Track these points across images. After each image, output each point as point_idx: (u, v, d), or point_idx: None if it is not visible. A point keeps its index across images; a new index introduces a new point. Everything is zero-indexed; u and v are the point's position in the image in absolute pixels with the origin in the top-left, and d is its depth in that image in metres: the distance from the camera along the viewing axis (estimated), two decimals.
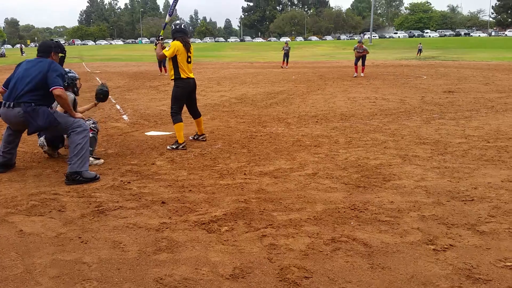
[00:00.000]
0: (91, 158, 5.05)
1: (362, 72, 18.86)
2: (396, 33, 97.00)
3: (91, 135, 5.08)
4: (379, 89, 13.22)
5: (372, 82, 15.85)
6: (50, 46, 5.01)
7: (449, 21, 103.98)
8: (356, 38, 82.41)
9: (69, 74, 5.50)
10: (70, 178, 4.46)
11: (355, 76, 18.31)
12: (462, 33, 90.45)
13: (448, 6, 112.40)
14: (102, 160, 5.32)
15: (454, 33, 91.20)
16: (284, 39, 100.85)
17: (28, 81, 4.63)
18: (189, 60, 6.13)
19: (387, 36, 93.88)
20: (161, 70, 20.98)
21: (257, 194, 4.03)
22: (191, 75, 6.21)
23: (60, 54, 5.15)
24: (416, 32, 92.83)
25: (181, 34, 6.19)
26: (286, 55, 26.57)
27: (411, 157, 5.34)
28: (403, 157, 5.32)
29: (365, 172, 4.71)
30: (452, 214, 3.48)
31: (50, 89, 4.53)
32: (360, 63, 18.74)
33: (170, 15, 6.66)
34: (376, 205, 3.69)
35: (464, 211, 3.54)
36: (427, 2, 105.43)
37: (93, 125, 5.47)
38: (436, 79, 16.81)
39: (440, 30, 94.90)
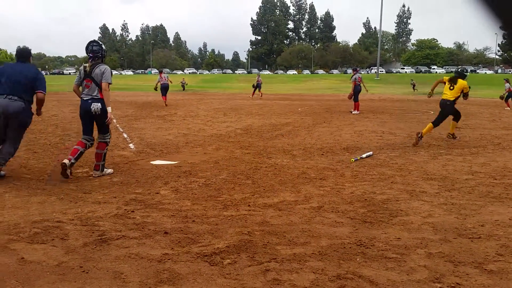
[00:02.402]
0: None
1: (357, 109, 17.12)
2: (403, 68, 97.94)
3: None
4: (386, 123, 13.24)
5: (379, 116, 15.90)
6: (28, 53, 6.30)
7: (456, 58, 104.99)
8: (362, 72, 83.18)
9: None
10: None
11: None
12: (469, 70, 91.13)
13: (454, 43, 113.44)
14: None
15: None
16: (291, 72, 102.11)
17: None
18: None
19: (394, 71, 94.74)
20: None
21: (261, 226, 3.99)
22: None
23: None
24: (423, 68, 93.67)
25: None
26: (258, 86, 29.15)
27: (418, 192, 5.29)
28: (410, 193, 5.27)
29: (371, 207, 4.66)
30: (459, 251, 3.41)
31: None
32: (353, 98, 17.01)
33: None
34: (383, 241, 3.63)
35: (471, 248, 3.47)
36: (434, 39, 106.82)
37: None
38: None
39: (447, 67, 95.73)
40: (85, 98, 6.05)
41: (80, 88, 6.26)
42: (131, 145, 8.94)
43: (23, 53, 6.20)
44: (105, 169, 6.26)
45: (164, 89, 20.80)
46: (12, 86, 5.82)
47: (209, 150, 8.36)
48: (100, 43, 6.31)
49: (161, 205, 4.69)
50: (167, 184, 5.64)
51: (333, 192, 5.26)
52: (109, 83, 6.01)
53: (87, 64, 6.12)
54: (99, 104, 5.98)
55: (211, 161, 7.27)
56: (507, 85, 20.60)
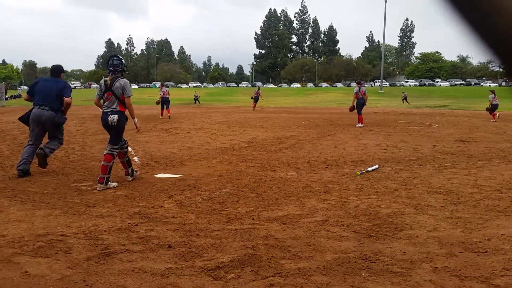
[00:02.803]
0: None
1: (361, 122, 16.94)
2: (407, 81, 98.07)
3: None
4: (390, 137, 13.22)
5: (383, 129, 15.88)
6: (60, 70, 7.65)
7: (459, 70, 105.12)
8: (366, 85, 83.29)
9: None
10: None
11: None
12: (473, 82, 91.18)
13: (458, 56, 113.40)
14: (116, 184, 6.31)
15: (465, 83, 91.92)
16: (294, 85, 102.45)
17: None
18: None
19: (398, 84, 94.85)
20: (162, 114, 21.39)
21: (265, 240, 3.96)
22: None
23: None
24: (427, 81, 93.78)
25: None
26: (257, 99, 29.97)
27: (423, 206, 5.25)
28: (415, 206, 5.23)
29: (376, 220, 4.63)
30: (465, 266, 3.37)
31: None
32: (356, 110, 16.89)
33: None
34: (388, 255, 3.60)
35: (477, 263, 3.43)
36: (437, 52, 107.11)
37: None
38: (447, 127, 16.80)
39: (451, 80, 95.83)
40: (105, 110, 6.39)
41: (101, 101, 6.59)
42: (136, 158, 8.95)
43: (55, 70, 7.62)
44: (109, 183, 6.29)
45: (165, 102, 21.12)
46: (43, 98, 7.15)
47: (213, 163, 8.36)
48: (120, 57, 6.63)
49: (165, 218, 4.68)
50: (171, 198, 5.64)
51: (338, 206, 5.24)
52: (130, 96, 6.43)
53: (107, 78, 6.41)
54: (116, 116, 6.31)
55: (215, 174, 7.26)
56: (491, 96, 20.53)
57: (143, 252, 3.64)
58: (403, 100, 41.71)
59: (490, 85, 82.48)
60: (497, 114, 20.63)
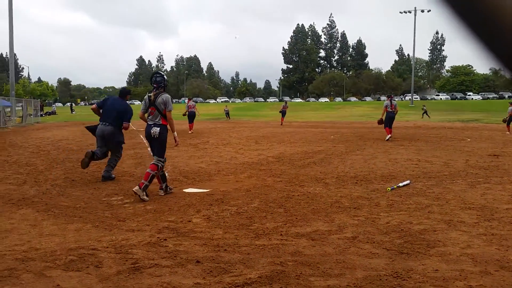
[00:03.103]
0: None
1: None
2: (438, 95, 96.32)
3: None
4: (421, 151, 12.96)
5: (414, 143, 15.59)
6: (128, 92, 8.96)
7: (492, 84, 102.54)
8: (397, 99, 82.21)
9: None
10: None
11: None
12: (506, 96, 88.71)
13: (490, 69, 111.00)
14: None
15: (498, 96, 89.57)
16: (322, 99, 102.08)
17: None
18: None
19: (429, 98, 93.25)
20: (190, 129, 21.69)
21: (294, 256, 3.92)
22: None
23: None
24: (459, 95, 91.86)
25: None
26: (284, 113, 30.26)
27: (456, 222, 5.10)
28: (448, 223, 5.09)
29: (408, 237, 4.52)
30: (502, 285, 3.24)
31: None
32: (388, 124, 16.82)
33: None
34: (420, 273, 3.50)
35: None
36: (469, 65, 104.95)
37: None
38: (480, 142, 16.36)
39: (483, 93, 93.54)
40: (149, 123, 6.82)
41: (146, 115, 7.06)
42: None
43: (122, 92, 8.80)
44: (145, 192, 6.44)
45: (191, 116, 21.56)
46: (107, 115, 8.22)
47: (241, 178, 8.37)
48: (163, 74, 7.05)
49: (193, 233, 4.70)
50: (199, 212, 5.66)
51: (368, 222, 5.14)
52: (171, 111, 6.81)
53: (151, 94, 6.83)
54: (158, 128, 6.68)
55: (243, 189, 7.27)
56: (511, 108, 20.32)
57: (172, 267, 3.65)
58: (423, 114, 41.05)
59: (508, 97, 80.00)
60: None
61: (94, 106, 8.58)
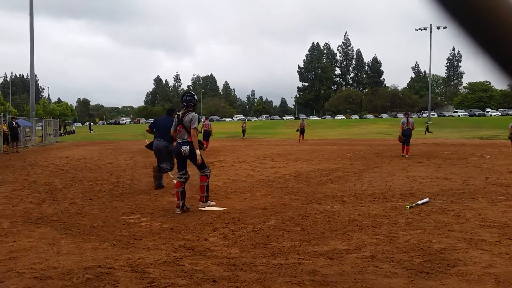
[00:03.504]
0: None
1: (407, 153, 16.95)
2: (456, 111, 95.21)
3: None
4: (440, 168, 12.77)
5: (433, 161, 15.38)
6: (173, 110, 9.52)
7: (511, 100, 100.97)
8: (414, 116, 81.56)
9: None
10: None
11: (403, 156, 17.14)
12: None
13: (508, 85, 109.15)
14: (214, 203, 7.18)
15: None
16: (339, 117, 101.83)
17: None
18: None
19: (447, 115, 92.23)
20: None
21: (311, 276, 3.86)
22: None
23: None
24: (477, 111, 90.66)
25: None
26: (302, 130, 30.86)
27: (477, 241, 4.98)
28: (468, 241, 4.97)
29: (428, 256, 4.42)
30: None
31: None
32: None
33: None
34: None
35: None
36: (487, 82, 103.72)
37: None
38: (500, 159, 16.07)
39: (502, 109, 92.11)
40: (178, 141, 7.11)
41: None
42: None
43: (170, 110, 10.08)
44: (208, 201, 7.11)
45: (206, 135, 22.21)
46: (161, 132, 9.41)
47: (257, 196, 8.34)
48: (193, 93, 7.46)
49: (210, 252, 4.68)
50: (215, 231, 5.64)
51: (387, 241, 5.05)
52: (195, 128, 6.97)
53: (180, 113, 7.13)
54: (188, 146, 6.96)
55: (259, 207, 7.23)
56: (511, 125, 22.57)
57: (188, 286, 3.63)
58: (425, 131, 40.73)
59: None
60: None
61: (147, 128, 10.23)
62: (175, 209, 6.98)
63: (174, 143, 7.47)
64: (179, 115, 7.09)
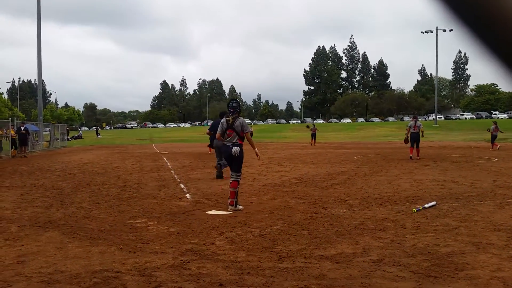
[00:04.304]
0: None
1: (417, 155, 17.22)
2: (463, 114, 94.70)
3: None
4: (447, 172, 12.71)
5: (440, 164, 15.31)
6: (225, 113, 8.62)
7: None
8: (420, 119, 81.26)
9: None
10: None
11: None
12: None
13: None
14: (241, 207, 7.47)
15: None
16: (345, 120, 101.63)
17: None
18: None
19: (454, 118, 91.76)
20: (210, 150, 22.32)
21: (318, 280, 3.85)
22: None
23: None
24: (484, 114, 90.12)
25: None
26: (314, 135, 31.44)
27: (485, 244, 4.95)
28: (476, 245, 4.94)
29: (435, 260, 4.40)
30: None
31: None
32: (415, 144, 17.19)
33: None
34: None
35: None
36: (493, 84, 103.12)
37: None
38: (508, 161, 15.96)
39: (509, 112, 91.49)
40: (228, 144, 7.61)
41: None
42: (188, 195, 9.10)
43: (221, 114, 10.39)
44: (238, 206, 7.41)
45: (212, 139, 21.88)
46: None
47: (263, 200, 8.34)
48: (238, 100, 8.24)
49: (216, 256, 4.68)
50: (222, 235, 5.65)
51: (394, 244, 5.03)
52: (249, 131, 7.74)
53: (229, 118, 7.64)
54: (238, 148, 7.54)
55: (265, 211, 7.23)
56: (493, 127, 23.46)
57: None
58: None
59: None
60: (498, 145, 23.14)
61: (208, 131, 11.84)
62: (228, 206, 7.41)
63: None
64: (229, 120, 7.60)
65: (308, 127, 33.95)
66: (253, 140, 7.98)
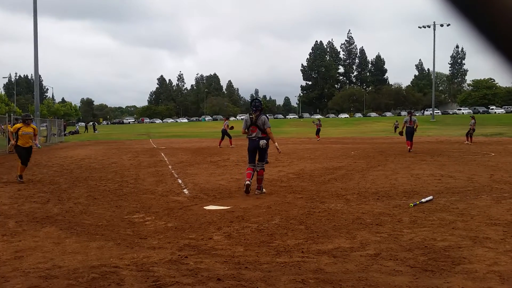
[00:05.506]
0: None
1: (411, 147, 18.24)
2: (460, 109, 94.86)
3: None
4: (444, 166, 12.74)
5: (437, 158, 15.35)
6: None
7: None
8: (417, 114, 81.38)
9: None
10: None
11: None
12: None
13: None
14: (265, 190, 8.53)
15: None
16: (342, 115, 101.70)
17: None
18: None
19: (451, 112, 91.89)
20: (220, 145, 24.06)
21: (315, 274, 3.87)
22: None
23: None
24: (481, 109, 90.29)
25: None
26: (319, 130, 32.15)
27: (481, 239, 4.97)
28: (473, 239, 4.96)
29: (432, 254, 4.42)
30: None
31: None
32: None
33: None
34: None
35: None
36: (491, 79, 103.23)
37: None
38: (505, 156, 16.02)
39: (506, 106, 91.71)
40: (253, 138, 8.54)
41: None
42: (185, 191, 9.11)
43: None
44: (262, 189, 8.50)
45: (222, 133, 24.28)
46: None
47: (261, 195, 8.35)
48: (260, 99, 9.51)
49: (214, 250, 4.69)
50: (220, 230, 5.66)
51: (391, 239, 5.06)
52: (269, 127, 8.62)
53: (252, 116, 8.55)
54: (265, 140, 8.52)
55: (263, 206, 7.24)
56: (473, 121, 23.83)
57: (193, 284, 3.65)
58: (395, 129, 40.56)
59: None
60: (471, 141, 23.92)
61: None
62: (245, 179, 8.40)
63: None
64: (252, 117, 8.52)
65: (313, 122, 34.52)
66: (273, 135, 8.78)
